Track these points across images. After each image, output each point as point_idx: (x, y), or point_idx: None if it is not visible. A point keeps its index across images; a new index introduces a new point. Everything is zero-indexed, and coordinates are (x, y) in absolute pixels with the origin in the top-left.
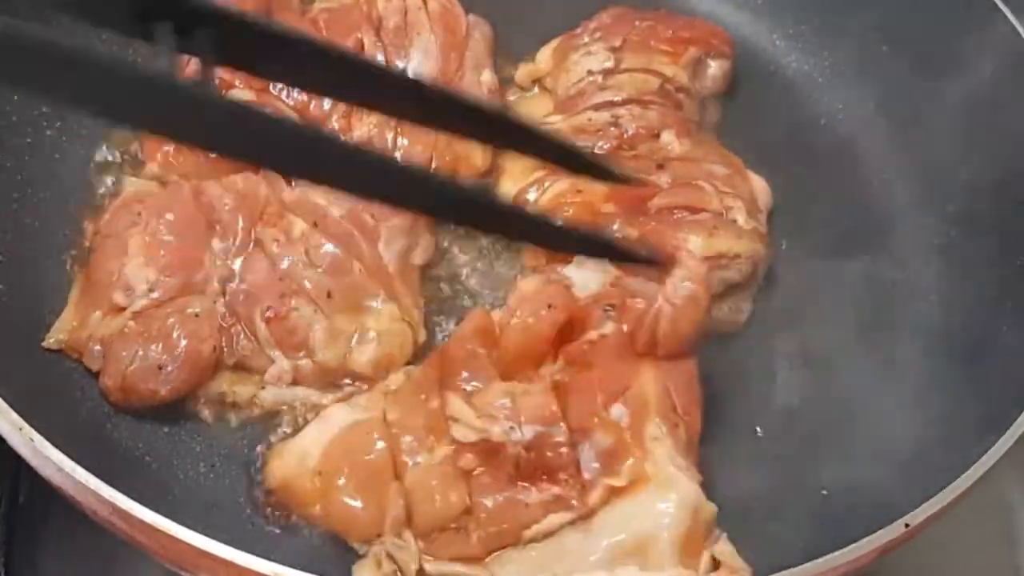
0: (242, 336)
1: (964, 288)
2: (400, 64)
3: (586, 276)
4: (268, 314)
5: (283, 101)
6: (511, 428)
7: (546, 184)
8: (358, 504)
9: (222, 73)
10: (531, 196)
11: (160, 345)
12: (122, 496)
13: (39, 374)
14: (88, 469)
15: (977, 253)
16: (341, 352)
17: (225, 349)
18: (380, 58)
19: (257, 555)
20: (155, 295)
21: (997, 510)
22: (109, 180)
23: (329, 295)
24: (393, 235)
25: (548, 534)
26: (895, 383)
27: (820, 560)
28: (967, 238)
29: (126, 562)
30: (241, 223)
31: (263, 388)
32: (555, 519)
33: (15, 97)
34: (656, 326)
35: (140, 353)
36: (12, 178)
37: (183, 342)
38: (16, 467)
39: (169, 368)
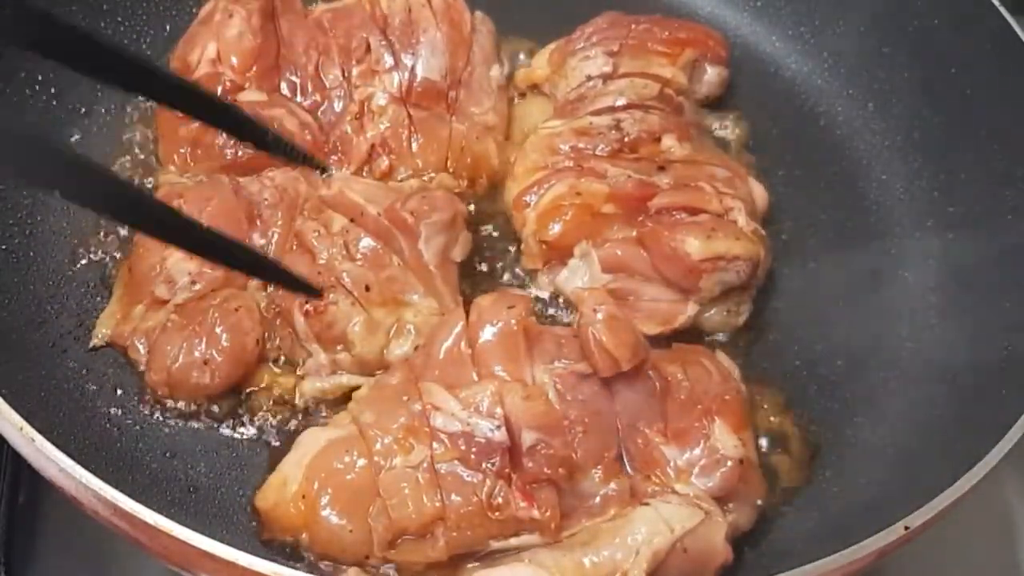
0: (286, 329)
1: (963, 290)
2: (408, 61)
3: (577, 280)
4: (306, 307)
5: (294, 103)
6: (496, 426)
7: (545, 186)
8: (345, 526)
9: (232, 76)
10: (530, 198)
11: (204, 339)
12: (123, 496)
13: (39, 374)
14: (89, 470)
15: (976, 254)
16: (379, 345)
17: (268, 342)
18: (388, 56)
19: (257, 555)
20: (197, 287)
21: (997, 512)
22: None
23: (367, 288)
24: (433, 232)
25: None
26: (894, 384)
27: (820, 562)
28: (966, 239)
29: (126, 562)
30: (281, 218)
31: (303, 379)
32: (524, 540)
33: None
34: (597, 347)
35: (184, 347)
36: None
37: (227, 336)
38: (16, 467)
39: (214, 362)
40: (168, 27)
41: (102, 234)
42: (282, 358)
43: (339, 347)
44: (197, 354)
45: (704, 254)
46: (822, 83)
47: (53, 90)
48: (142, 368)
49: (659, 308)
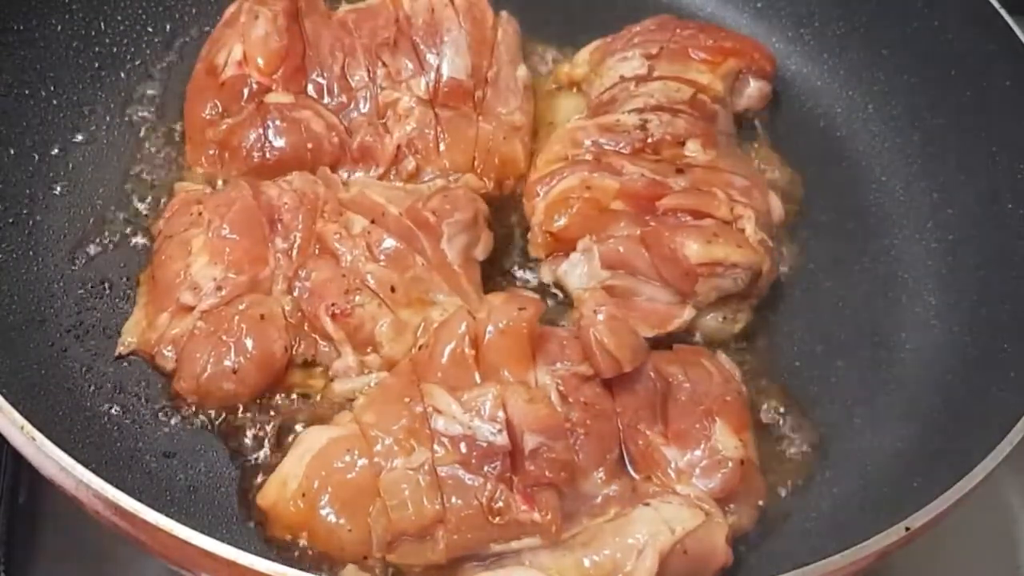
0: (310, 332)
1: (963, 290)
2: (433, 61)
3: (577, 273)
4: (333, 310)
5: (321, 104)
6: (498, 431)
7: (559, 178)
8: (344, 526)
9: (260, 78)
10: (542, 189)
11: (232, 349)
12: (124, 495)
13: (40, 373)
14: (89, 469)
15: (976, 255)
16: (407, 345)
17: (295, 348)
18: (413, 57)
19: (258, 554)
20: (223, 293)
21: (997, 513)
22: (136, 186)
23: (393, 289)
24: (455, 231)
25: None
26: (895, 386)
27: (820, 562)
28: (966, 240)
29: (126, 562)
30: (302, 221)
31: (332, 380)
32: (525, 543)
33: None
34: (598, 348)
35: (213, 357)
36: (22, 177)
37: (255, 345)
38: (16, 467)
39: (243, 371)
40: (168, 27)
41: (102, 233)
42: (311, 362)
43: (368, 349)
44: (227, 363)
45: (702, 258)
46: (822, 84)
47: (53, 88)
48: (167, 373)
49: (655, 309)
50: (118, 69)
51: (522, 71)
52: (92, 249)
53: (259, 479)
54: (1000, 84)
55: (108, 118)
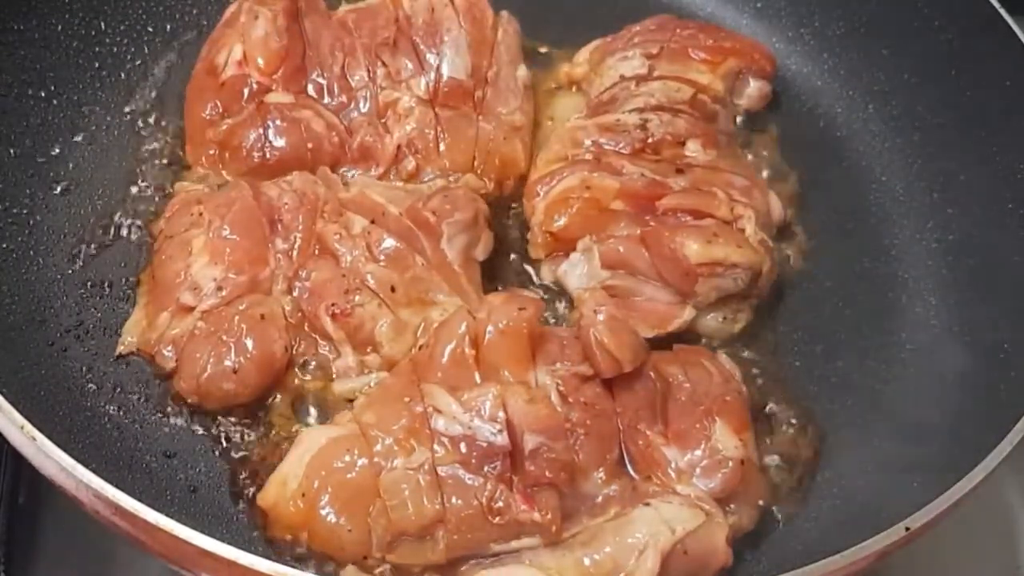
0: (310, 332)
1: (963, 290)
2: (433, 61)
3: (577, 273)
4: (333, 310)
5: (321, 104)
6: (498, 431)
7: (558, 178)
8: (344, 526)
9: (260, 78)
10: (542, 189)
11: (232, 349)
12: (124, 495)
13: (40, 373)
14: (89, 469)
15: (976, 255)
16: (407, 345)
17: (295, 348)
18: (413, 56)
19: (257, 554)
20: (223, 293)
21: (997, 513)
22: (136, 187)
23: (393, 289)
24: (455, 231)
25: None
26: (894, 385)
27: (821, 563)
28: (966, 240)
29: (126, 562)
30: (302, 222)
31: (332, 380)
32: (525, 543)
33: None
34: (599, 348)
35: (213, 357)
36: (22, 177)
37: (255, 345)
38: (16, 467)
39: (243, 371)
40: (168, 27)
41: (102, 233)
42: (311, 362)
43: (368, 349)
44: (227, 363)
45: (702, 258)
46: (822, 84)
47: (53, 88)
48: (167, 373)
49: (656, 309)
50: (118, 69)
51: (522, 71)
52: (92, 249)
53: (259, 479)
54: (1000, 84)
55: (108, 118)
